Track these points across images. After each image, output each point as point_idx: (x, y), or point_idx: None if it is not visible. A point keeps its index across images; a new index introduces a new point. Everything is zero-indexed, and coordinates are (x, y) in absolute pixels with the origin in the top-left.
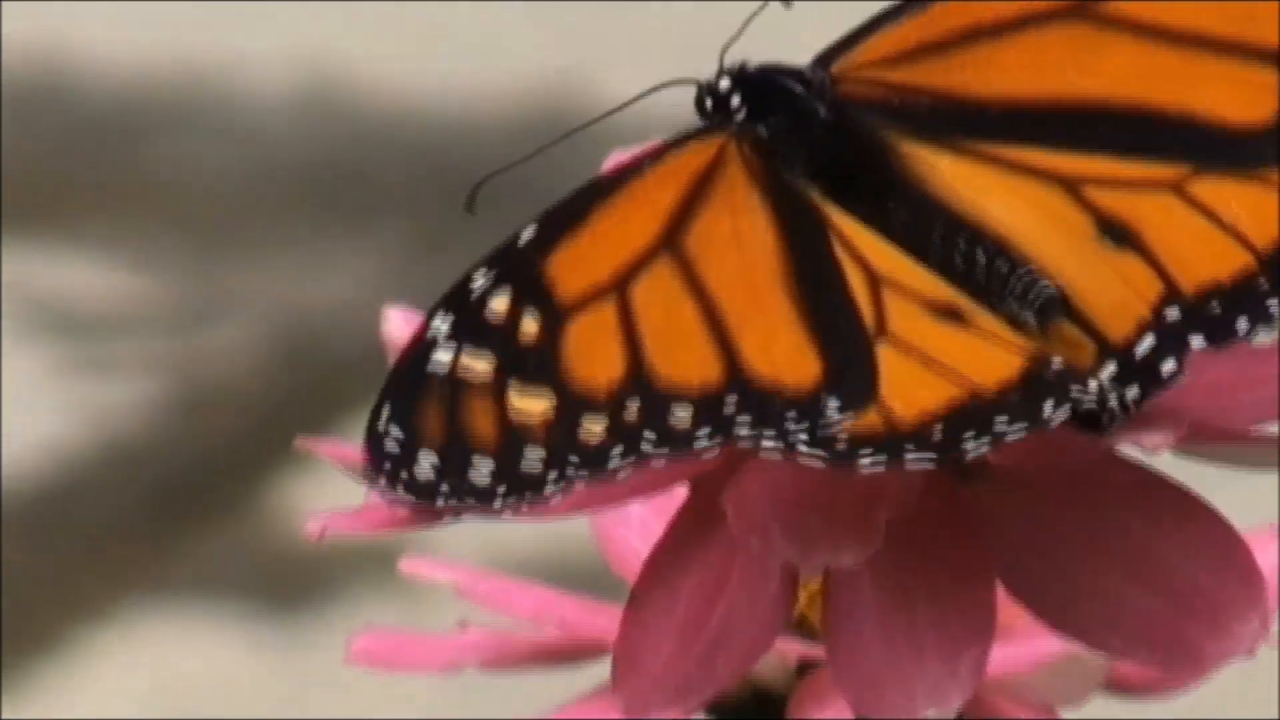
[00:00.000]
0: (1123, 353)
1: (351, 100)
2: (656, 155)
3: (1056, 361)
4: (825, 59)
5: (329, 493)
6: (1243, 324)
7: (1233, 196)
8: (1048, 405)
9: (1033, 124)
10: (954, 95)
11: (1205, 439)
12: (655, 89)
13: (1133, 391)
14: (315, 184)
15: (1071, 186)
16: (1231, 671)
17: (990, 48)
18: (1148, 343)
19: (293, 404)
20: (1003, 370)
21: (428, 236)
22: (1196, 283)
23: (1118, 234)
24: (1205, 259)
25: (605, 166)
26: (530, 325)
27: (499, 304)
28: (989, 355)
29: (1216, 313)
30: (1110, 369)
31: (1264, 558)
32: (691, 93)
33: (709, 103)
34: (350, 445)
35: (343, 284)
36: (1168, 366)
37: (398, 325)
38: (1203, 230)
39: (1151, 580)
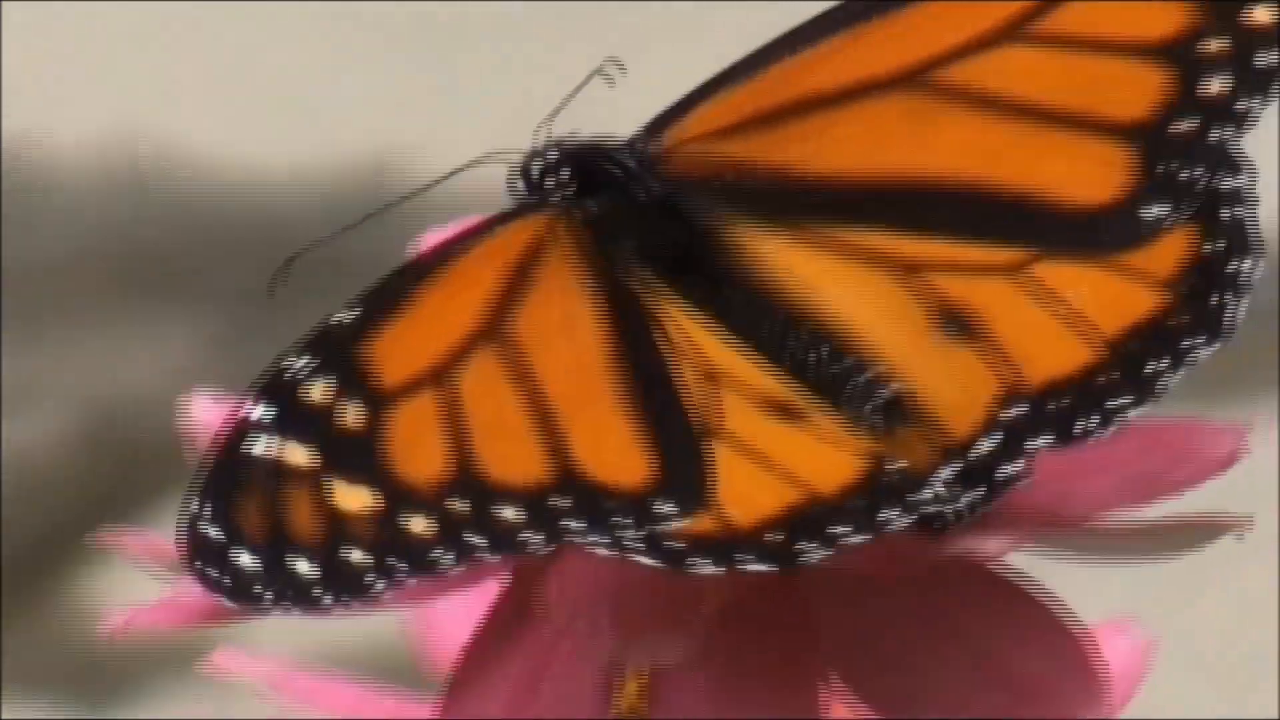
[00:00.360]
0: (966, 452)
1: (168, 182)
2: (479, 232)
3: (896, 466)
4: (655, 128)
5: (140, 586)
6: (1093, 423)
7: (1080, 282)
8: (886, 512)
9: (869, 204)
10: (787, 172)
11: (1048, 536)
12: (478, 161)
13: (976, 493)
14: (130, 267)
15: (911, 272)
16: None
17: (825, 119)
18: (990, 443)
19: (103, 494)
20: (842, 474)
21: (245, 320)
22: (1042, 378)
23: (960, 325)
24: (1051, 352)
25: (418, 246)
26: (351, 415)
27: (318, 391)
28: (828, 458)
29: (1064, 410)
30: (953, 469)
31: (1113, 651)
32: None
33: (535, 173)
34: (160, 537)
35: (156, 370)
36: (1011, 469)
37: (203, 411)
38: (1048, 321)
39: (992, 676)
